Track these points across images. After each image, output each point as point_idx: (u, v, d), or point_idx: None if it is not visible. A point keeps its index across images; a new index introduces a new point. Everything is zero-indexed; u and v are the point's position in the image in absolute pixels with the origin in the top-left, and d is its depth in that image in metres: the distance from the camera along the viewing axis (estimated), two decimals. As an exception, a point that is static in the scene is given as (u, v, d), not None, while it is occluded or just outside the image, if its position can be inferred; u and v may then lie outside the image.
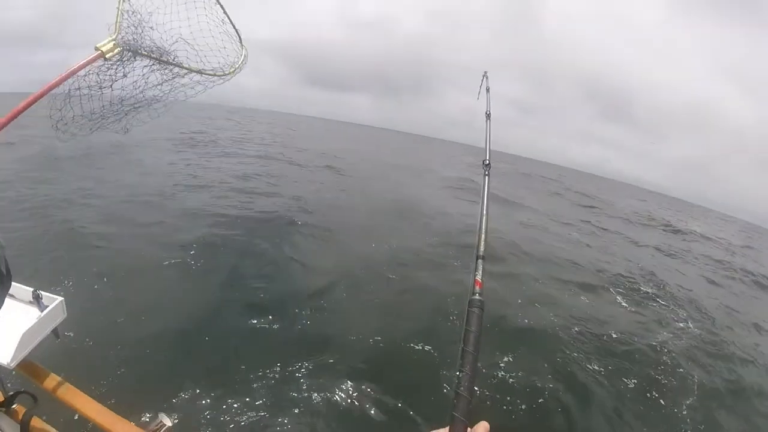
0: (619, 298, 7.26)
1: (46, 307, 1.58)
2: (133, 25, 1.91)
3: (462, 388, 0.85)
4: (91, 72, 1.75)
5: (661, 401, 4.44)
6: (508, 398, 3.99)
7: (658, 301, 7.47)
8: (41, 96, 1.53)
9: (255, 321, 4.57)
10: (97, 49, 1.71)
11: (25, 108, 1.45)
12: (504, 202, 14.49)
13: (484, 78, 2.63)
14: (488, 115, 2.18)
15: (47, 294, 1.65)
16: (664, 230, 17.60)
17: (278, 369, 3.82)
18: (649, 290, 7.91)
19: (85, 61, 1.69)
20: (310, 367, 3.91)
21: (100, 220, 6.85)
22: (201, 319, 4.45)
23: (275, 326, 4.53)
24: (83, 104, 1.77)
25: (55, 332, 1.62)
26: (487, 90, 2.44)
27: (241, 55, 2.38)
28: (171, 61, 2.09)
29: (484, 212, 1.44)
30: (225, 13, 2.34)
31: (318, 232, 7.75)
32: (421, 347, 4.46)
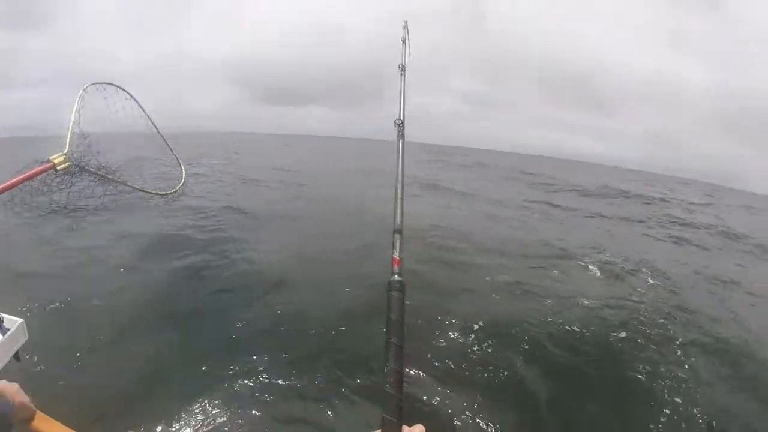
0: (581, 269, 7.22)
1: (8, 330, 1.54)
2: (82, 146, 2.37)
3: (388, 386, 0.77)
4: (44, 179, 2.14)
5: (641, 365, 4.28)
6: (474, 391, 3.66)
7: (619, 266, 7.43)
8: None
9: (215, 326, 4.51)
10: (49, 160, 2.06)
11: None
12: (448, 191, 14.48)
13: (405, 29, 2.26)
14: (402, 68, 1.86)
15: (7, 316, 1.59)
16: (624, 198, 17.99)
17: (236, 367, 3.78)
18: (608, 258, 7.84)
19: (38, 169, 2.02)
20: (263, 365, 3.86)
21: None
22: (163, 332, 4.36)
23: (237, 325, 4.53)
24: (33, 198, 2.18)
25: (16, 355, 1.58)
26: (403, 41, 2.08)
27: (182, 179, 2.90)
28: (116, 179, 2.54)
29: (400, 180, 1.24)
30: (165, 142, 3.01)
31: (262, 237, 7.70)
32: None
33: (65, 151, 2.20)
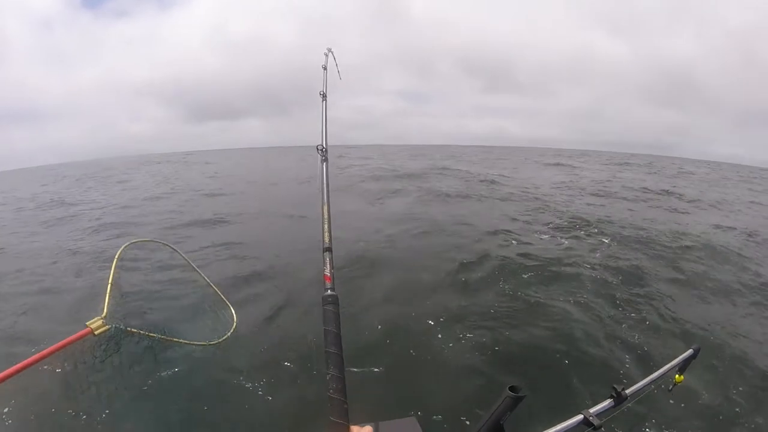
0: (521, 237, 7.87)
1: None
2: (121, 308, 2.35)
3: (332, 391, 0.83)
4: (86, 348, 2.12)
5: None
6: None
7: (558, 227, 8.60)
8: (31, 364, 1.71)
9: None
10: (86, 326, 2.02)
11: (14, 373, 1.64)
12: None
13: (327, 56, 2.39)
14: (323, 96, 1.96)
15: None
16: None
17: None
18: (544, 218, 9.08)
19: (74, 336, 1.95)
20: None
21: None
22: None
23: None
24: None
25: None
26: (324, 68, 2.20)
27: (232, 325, 2.85)
28: (162, 335, 2.52)
29: (325, 201, 1.32)
30: (211, 284, 3.04)
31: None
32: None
33: (103, 314, 2.18)
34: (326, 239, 1.17)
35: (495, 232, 8.07)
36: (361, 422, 0.86)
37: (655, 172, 25.33)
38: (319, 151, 1.61)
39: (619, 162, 33.14)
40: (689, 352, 1.50)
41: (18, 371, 1.72)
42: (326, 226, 1.22)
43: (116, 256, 2.71)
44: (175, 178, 22.41)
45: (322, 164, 1.55)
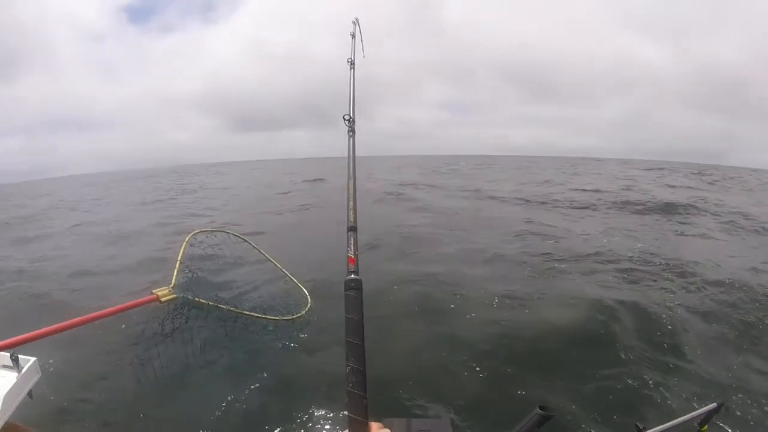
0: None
1: (22, 368, 1.56)
2: (188, 280, 2.59)
3: (351, 385, 0.78)
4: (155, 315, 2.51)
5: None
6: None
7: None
8: (93, 319, 1.96)
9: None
10: (153, 293, 2.27)
11: (79, 323, 1.88)
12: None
13: (355, 24, 2.26)
14: (352, 63, 1.75)
15: (21, 356, 1.61)
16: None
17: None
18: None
19: (140, 300, 2.21)
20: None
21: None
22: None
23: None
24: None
25: (29, 393, 1.60)
26: (353, 36, 2.04)
27: (307, 304, 2.96)
28: (229, 308, 2.66)
29: (351, 176, 1.22)
30: (283, 270, 3.28)
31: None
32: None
33: (171, 285, 2.42)
34: (351, 218, 1.07)
35: None
36: (392, 416, 0.88)
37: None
38: (346, 122, 1.43)
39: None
40: (712, 405, 1.52)
41: (83, 323, 1.87)
42: (351, 203, 1.11)
43: (186, 240, 2.92)
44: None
45: (349, 137, 1.39)
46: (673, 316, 4.48)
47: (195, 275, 2.91)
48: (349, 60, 1.78)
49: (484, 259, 6.57)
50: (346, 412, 0.76)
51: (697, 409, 1.50)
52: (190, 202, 16.21)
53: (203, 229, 3.29)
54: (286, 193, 18.14)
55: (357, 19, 2.23)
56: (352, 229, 1.05)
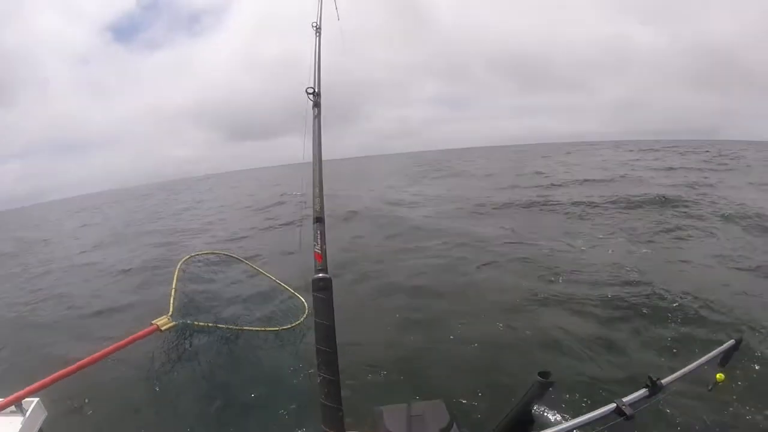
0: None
1: (26, 410, 1.50)
2: (189, 308, 2.69)
3: (324, 397, 0.72)
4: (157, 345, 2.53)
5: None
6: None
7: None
8: (99, 359, 1.94)
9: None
10: (152, 323, 2.30)
11: (85, 365, 1.87)
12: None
13: None
14: (317, 28, 1.48)
15: (26, 398, 1.54)
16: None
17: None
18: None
19: (141, 332, 2.20)
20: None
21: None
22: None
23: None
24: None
25: None
26: None
27: (305, 312, 2.92)
28: (229, 326, 2.75)
29: (317, 159, 1.06)
30: (277, 282, 3.29)
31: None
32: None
33: (169, 313, 2.42)
34: (317, 207, 0.95)
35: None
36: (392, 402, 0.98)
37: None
38: (310, 96, 1.18)
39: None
40: (731, 342, 1.36)
41: (86, 365, 1.85)
42: (317, 190, 0.99)
43: (178, 267, 2.94)
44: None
45: (315, 112, 1.15)
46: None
47: (191, 299, 2.91)
48: (314, 24, 1.50)
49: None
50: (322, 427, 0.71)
51: (715, 349, 1.36)
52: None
53: (192, 254, 3.32)
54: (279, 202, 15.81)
55: None
56: (319, 220, 0.92)
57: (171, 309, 2.52)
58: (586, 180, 13.26)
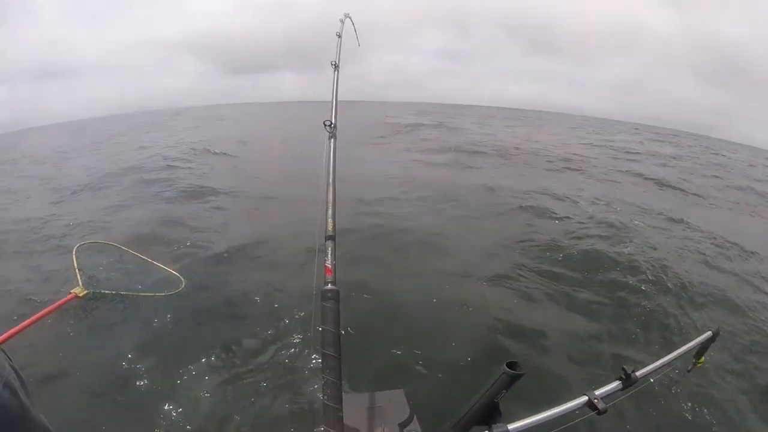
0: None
1: None
2: (89, 278, 3.50)
3: (326, 398, 0.77)
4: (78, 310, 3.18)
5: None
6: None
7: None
8: (27, 326, 2.39)
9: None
10: (70, 292, 3.10)
11: (12, 335, 2.24)
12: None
13: (343, 22, 2.20)
14: (336, 66, 1.77)
15: None
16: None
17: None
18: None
19: (62, 300, 2.93)
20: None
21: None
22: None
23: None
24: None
25: None
26: (339, 36, 2.01)
27: (182, 283, 3.56)
28: (129, 293, 3.39)
29: (330, 183, 1.23)
30: (149, 260, 3.94)
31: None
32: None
33: (81, 284, 3.22)
34: (329, 227, 1.08)
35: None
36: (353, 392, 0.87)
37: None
38: (327, 127, 1.44)
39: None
40: (707, 334, 1.34)
41: (19, 331, 2.20)
42: (330, 212, 1.13)
43: (74, 251, 3.67)
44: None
45: (330, 142, 1.39)
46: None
47: (92, 276, 3.57)
48: (333, 63, 1.73)
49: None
50: (322, 428, 0.75)
51: (691, 341, 1.34)
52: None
53: (83, 243, 4.04)
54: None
55: (348, 15, 2.14)
56: (330, 238, 1.04)
57: (79, 281, 3.24)
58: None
